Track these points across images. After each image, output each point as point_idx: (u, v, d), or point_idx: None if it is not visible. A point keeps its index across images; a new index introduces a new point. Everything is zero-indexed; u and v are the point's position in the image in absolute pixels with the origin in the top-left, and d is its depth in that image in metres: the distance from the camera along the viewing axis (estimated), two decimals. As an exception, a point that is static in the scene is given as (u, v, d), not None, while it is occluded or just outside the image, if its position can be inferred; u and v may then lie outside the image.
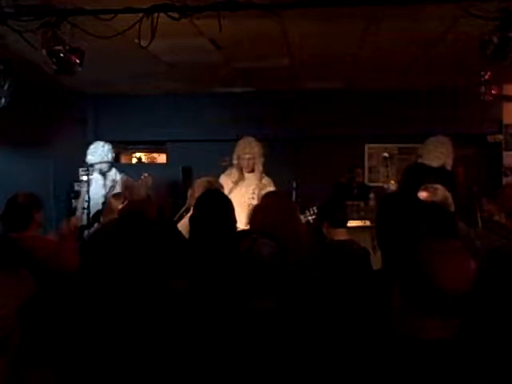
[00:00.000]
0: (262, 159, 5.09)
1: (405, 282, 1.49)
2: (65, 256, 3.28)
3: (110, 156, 6.05)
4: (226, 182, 4.91)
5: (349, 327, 1.91)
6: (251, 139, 5.16)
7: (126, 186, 4.55)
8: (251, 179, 5.10)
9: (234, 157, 5.12)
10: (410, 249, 1.54)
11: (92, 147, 6.08)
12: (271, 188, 5.08)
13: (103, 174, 6.01)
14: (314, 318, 2.09)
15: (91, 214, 5.40)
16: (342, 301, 2.19)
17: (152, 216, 3.38)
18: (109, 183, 5.96)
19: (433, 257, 1.46)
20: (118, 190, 5.72)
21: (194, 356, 1.93)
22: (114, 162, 6.42)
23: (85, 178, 6.13)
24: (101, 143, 6.12)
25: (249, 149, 5.07)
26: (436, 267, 1.43)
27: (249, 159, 5.03)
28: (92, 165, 5.95)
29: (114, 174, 6.09)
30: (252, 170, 5.09)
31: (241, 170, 5.04)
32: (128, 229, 2.59)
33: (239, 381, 1.86)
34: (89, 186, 5.76)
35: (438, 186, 4.01)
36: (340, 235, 3.66)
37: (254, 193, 5.02)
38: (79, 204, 5.90)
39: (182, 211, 4.84)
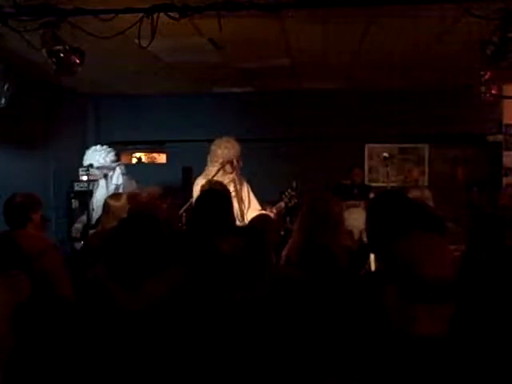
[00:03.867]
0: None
1: (392, 275, 1.50)
2: (52, 257, 3.30)
3: (108, 160, 6.07)
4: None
5: (342, 324, 1.91)
6: (234, 141, 5.14)
7: (130, 196, 4.50)
8: (229, 178, 5.08)
9: (223, 159, 5.02)
10: (392, 243, 1.58)
11: (88, 152, 6.14)
12: (246, 186, 5.12)
13: (105, 177, 6.07)
14: (305, 316, 2.10)
15: (94, 216, 5.50)
16: (331, 298, 2.20)
17: (161, 219, 3.39)
18: (112, 186, 6.02)
19: (411, 246, 1.50)
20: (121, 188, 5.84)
21: (191, 352, 1.94)
22: (115, 163, 6.40)
23: (85, 178, 6.18)
24: (97, 148, 6.14)
25: (239, 152, 5.06)
26: (414, 255, 1.47)
27: (238, 162, 5.03)
28: (92, 166, 5.99)
29: (116, 178, 6.12)
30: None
31: (222, 171, 4.97)
32: (137, 229, 2.59)
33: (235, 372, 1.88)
34: (92, 186, 5.90)
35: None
36: None
37: (234, 191, 5.02)
38: (92, 205, 6.00)
39: (181, 211, 4.85)
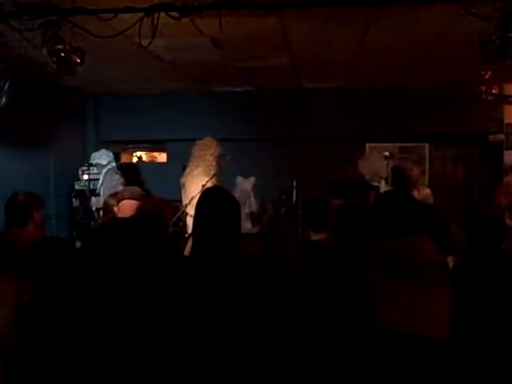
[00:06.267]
0: None
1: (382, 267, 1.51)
2: None
3: (103, 157, 6.79)
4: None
5: (339, 322, 1.91)
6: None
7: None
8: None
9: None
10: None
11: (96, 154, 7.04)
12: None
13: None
14: (307, 314, 2.11)
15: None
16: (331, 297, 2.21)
17: (168, 219, 3.38)
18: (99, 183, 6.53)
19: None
20: (103, 187, 6.27)
21: (196, 351, 1.94)
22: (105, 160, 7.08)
23: (85, 176, 6.50)
24: (104, 151, 7.04)
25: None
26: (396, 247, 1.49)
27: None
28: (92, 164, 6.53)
29: (104, 173, 6.66)
30: None
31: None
32: (142, 229, 2.59)
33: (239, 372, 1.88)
34: (93, 185, 6.37)
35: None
36: (315, 235, 3.52)
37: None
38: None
39: (182, 210, 4.86)
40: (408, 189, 5.58)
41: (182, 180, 4.98)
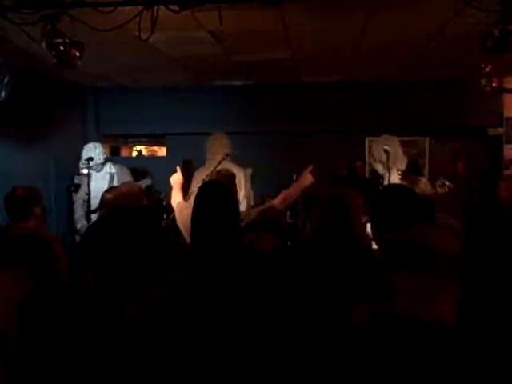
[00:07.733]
0: None
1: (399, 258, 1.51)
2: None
3: (101, 157, 6.23)
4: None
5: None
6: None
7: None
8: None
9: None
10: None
11: (84, 150, 6.29)
12: None
13: (98, 171, 6.26)
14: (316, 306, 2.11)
15: (92, 208, 5.61)
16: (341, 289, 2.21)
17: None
18: (107, 176, 6.22)
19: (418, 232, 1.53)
20: (116, 180, 6.03)
21: (199, 351, 1.94)
22: (111, 156, 6.75)
23: (85, 171, 6.31)
24: (92, 145, 6.33)
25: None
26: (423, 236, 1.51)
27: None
28: (92, 159, 6.18)
29: (108, 167, 6.34)
30: None
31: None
32: (134, 222, 2.58)
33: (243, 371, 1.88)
34: (89, 179, 5.93)
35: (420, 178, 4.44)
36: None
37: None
38: (79, 196, 6.14)
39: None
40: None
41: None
